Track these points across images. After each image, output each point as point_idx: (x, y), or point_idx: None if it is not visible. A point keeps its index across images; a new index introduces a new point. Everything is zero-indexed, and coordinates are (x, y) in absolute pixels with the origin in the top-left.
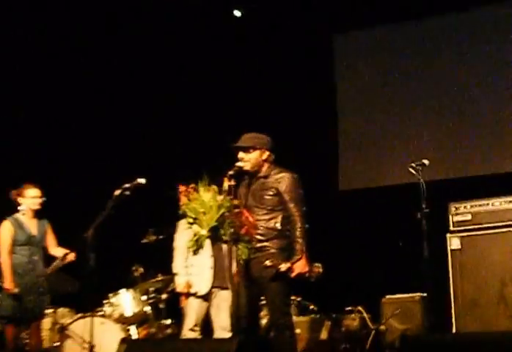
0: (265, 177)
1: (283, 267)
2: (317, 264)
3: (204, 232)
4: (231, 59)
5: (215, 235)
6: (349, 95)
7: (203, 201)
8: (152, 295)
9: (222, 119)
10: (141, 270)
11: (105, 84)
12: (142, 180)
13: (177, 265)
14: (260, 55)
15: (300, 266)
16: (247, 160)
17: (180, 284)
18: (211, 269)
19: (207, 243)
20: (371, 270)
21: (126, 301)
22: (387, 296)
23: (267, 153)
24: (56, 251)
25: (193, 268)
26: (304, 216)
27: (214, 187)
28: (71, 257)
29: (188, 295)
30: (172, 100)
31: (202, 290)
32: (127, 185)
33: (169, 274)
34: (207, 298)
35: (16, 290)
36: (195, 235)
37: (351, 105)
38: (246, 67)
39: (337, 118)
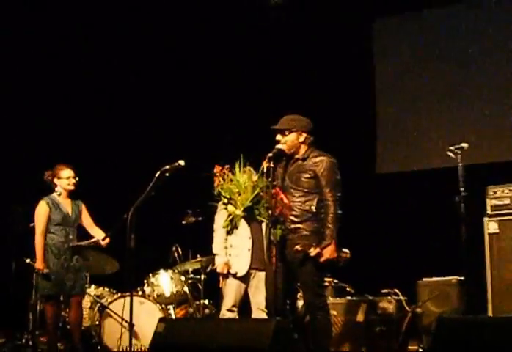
0: (304, 159)
1: (312, 252)
2: (345, 250)
3: (238, 211)
4: (272, 41)
5: (249, 215)
6: (387, 78)
7: (238, 181)
8: (191, 275)
9: (261, 102)
10: (181, 251)
11: (143, 64)
12: (182, 162)
13: (217, 246)
14: (300, 38)
15: (329, 252)
16: (284, 142)
17: (219, 265)
18: (249, 251)
19: (245, 224)
20: (408, 253)
21: (165, 282)
22: (424, 279)
23: (304, 135)
24: (96, 232)
25: (232, 249)
26: (338, 202)
27: (250, 168)
28: (105, 242)
29: (227, 275)
30: (212, 81)
31: (241, 271)
32: (167, 167)
33: (208, 255)
34: (245, 279)
35: (46, 271)
36: (230, 215)
37: (389, 88)
38: (287, 50)
39: (374, 101)
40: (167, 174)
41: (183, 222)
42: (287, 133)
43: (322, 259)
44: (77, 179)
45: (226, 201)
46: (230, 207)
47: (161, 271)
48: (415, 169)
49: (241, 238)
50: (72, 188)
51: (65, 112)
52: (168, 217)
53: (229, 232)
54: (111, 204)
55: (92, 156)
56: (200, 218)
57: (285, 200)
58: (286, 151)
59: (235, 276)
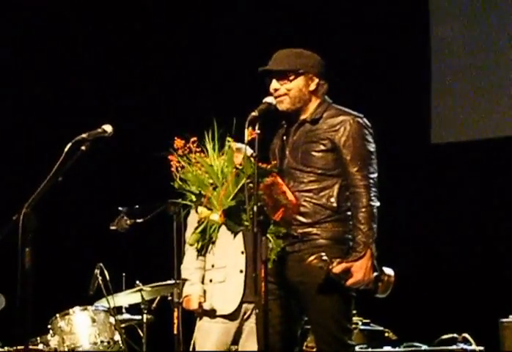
0: (314, 121)
1: (336, 268)
2: (387, 270)
3: (215, 216)
4: None
5: (233, 222)
6: (445, 37)
7: (212, 166)
8: (126, 315)
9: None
10: (108, 275)
11: None
12: (108, 128)
13: (188, 266)
14: None
15: (362, 269)
16: (284, 92)
17: (190, 297)
18: (242, 273)
19: (238, 234)
20: (483, 270)
21: (83, 326)
22: (511, 316)
23: (316, 81)
24: None
25: (214, 271)
26: (373, 188)
27: (232, 143)
28: None
29: (200, 315)
30: None
31: (226, 306)
32: (83, 136)
33: (156, 281)
34: (234, 319)
35: None
36: (200, 221)
37: (447, 46)
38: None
39: (430, 61)
40: (84, 148)
41: (113, 228)
42: (291, 78)
43: (350, 282)
44: None
45: (194, 199)
46: (202, 210)
47: (76, 309)
48: (479, 139)
49: (229, 254)
50: None
51: None
52: (88, 219)
53: (200, 251)
54: None
55: None
56: (141, 221)
57: (290, 196)
58: (288, 107)
59: (213, 315)
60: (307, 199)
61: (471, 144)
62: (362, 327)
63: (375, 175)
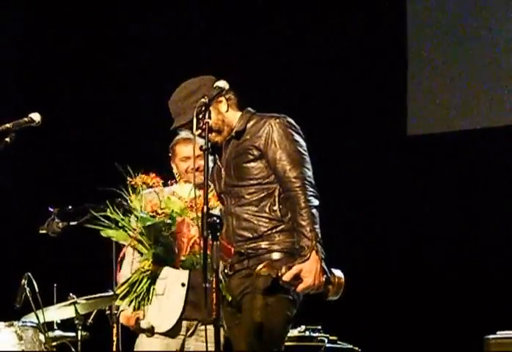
0: (239, 133)
1: (286, 275)
2: (337, 272)
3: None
4: None
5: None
6: (421, 26)
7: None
8: (58, 332)
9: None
10: (37, 286)
11: None
12: (36, 116)
13: (127, 274)
14: None
15: (311, 273)
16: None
17: (129, 311)
18: (184, 287)
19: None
20: (464, 276)
21: (8, 344)
22: (498, 333)
23: (222, 101)
24: None
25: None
26: (309, 186)
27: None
28: None
29: (138, 329)
30: None
31: (163, 323)
32: (7, 126)
33: (92, 293)
34: (173, 334)
35: None
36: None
37: (423, 35)
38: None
39: (406, 51)
40: (8, 140)
41: (42, 231)
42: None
43: (301, 288)
44: None
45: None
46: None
47: (1, 326)
48: (457, 130)
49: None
50: None
51: None
52: (14, 222)
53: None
54: None
55: None
56: (75, 224)
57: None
58: (224, 138)
59: (151, 332)
60: (249, 212)
61: (447, 136)
62: (329, 345)
63: (309, 174)
